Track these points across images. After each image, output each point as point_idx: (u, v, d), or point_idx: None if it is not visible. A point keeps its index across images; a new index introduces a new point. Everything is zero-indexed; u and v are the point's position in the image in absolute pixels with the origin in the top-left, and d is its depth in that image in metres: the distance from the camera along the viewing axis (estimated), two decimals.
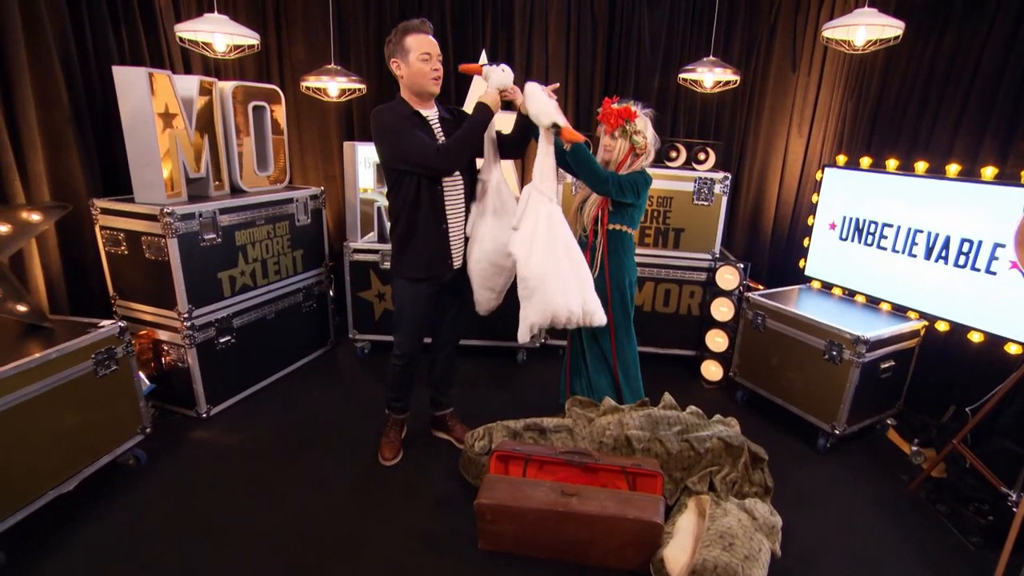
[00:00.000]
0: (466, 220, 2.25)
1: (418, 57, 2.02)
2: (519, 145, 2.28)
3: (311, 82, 3.31)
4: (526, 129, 2.21)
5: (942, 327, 2.58)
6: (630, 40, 3.73)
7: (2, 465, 1.80)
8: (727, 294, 3.15)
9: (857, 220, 2.89)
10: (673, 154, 3.32)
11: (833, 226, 3.02)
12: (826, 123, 3.54)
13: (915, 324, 2.65)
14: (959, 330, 2.51)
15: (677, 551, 1.83)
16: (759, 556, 1.79)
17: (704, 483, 2.11)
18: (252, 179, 2.97)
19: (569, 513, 1.85)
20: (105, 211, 2.53)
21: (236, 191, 2.90)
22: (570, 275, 2.14)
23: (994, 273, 2.37)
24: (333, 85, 3.34)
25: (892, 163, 2.79)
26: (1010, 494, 2.00)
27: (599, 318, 2.21)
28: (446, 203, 2.15)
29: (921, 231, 2.62)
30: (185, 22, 2.73)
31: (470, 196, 2.25)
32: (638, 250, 3.24)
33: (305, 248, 3.21)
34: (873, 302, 2.87)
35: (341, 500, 2.20)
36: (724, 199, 3.21)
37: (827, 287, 3.10)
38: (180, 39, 2.85)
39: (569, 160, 2.20)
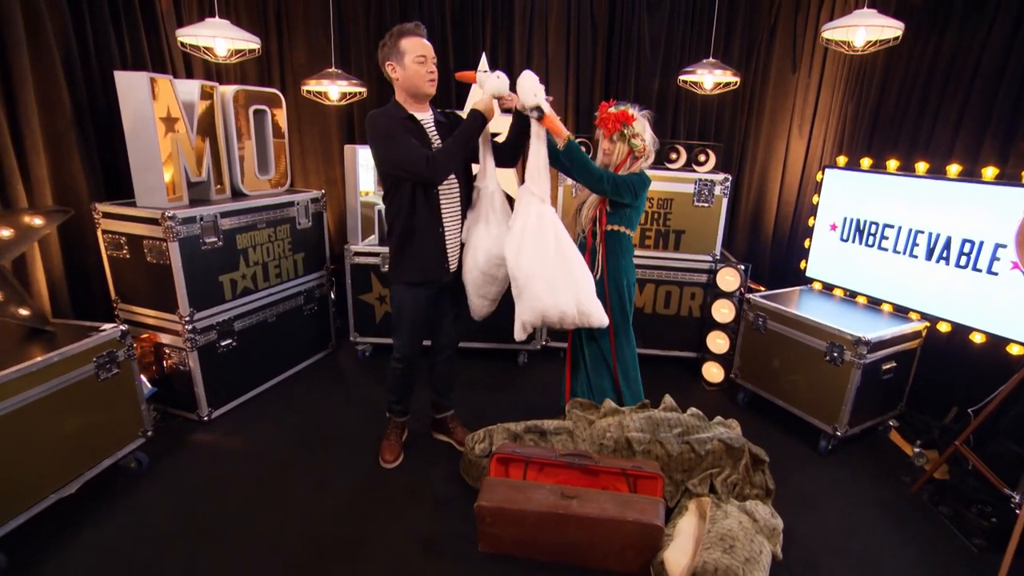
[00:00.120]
0: (463, 223, 2.25)
1: (414, 59, 2.03)
2: (515, 149, 2.27)
3: (312, 86, 3.33)
4: (521, 132, 2.21)
5: (944, 328, 2.57)
6: (630, 42, 3.73)
7: (4, 468, 1.80)
8: (728, 295, 3.14)
9: (858, 221, 2.89)
10: (673, 156, 3.32)
11: (834, 227, 3.02)
12: (826, 124, 3.53)
13: (916, 325, 2.64)
14: (961, 331, 2.50)
15: (677, 553, 1.83)
16: (760, 558, 1.78)
17: (705, 485, 2.11)
18: (253, 183, 2.99)
19: (569, 515, 1.85)
20: (107, 215, 2.54)
21: (237, 195, 2.91)
22: (560, 275, 2.14)
23: (996, 274, 2.36)
24: (334, 89, 3.35)
25: (893, 164, 2.79)
26: (1013, 496, 1.99)
27: (598, 320, 2.21)
28: (442, 207, 2.15)
29: (922, 232, 2.62)
30: (186, 27, 2.75)
31: (467, 199, 2.25)
32: (639, 252, 3.25)
33: (306, 251, 3.22)
34: (874, 303, 2.87)
35: (342, 502, 2.20)
36: (724, 200, 3.20)
37: (828, 288, 3.09)
38: (181, 44, 2.86)
39: (563, 159, 2.20)
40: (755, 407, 2.99)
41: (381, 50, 2.08)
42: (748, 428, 2.50)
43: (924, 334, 2.69)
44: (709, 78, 3.24)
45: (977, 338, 2.44)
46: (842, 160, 3.04)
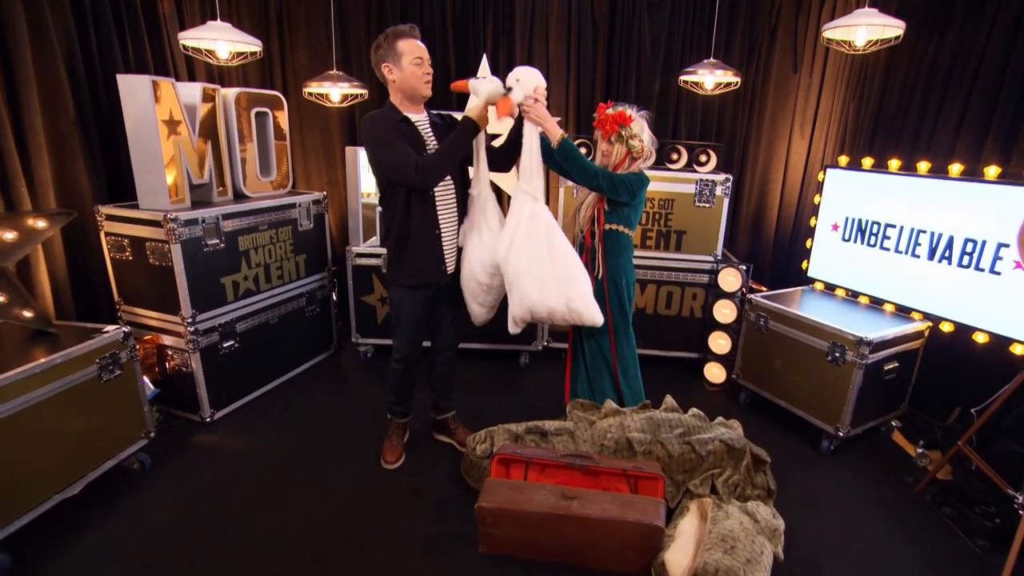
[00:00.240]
0: (460, 225, 2.26)
1: (411, 61, 2.04)
2: (514, 153, 2.25)
3: (313, 88, 3.34)
4: (520, 136, 2.21)
5: (946, 328, 2.56)
6: (631, 43, 3.73)
7: (8, 469, 1.82)
8: (729, 296, 3.14)
9: (860, 221, 2.88)
10: (674, 156, 3.32)
11: (836, 227, 3.01)
12: (828, 124, 3.53)
13: (919, 325, 2.63)
14: (963, 331, 2.49)
15: (678, 554, 1.83)
16: (761, 559, 1.78)
17: (706, 486, 2.10)
18: (255, 184, 3.00)
19: (570, 516, 1.85)
20: (110, 217, 2.55)
21: (239, 196, 2.92)
22: (550, 274, 2.15)
23: (998, 273, 2.35)
24: (335, 90, 3.36)
25: (894, 163, 2.78)
26: (1017, 496, 1.98)
27: (589, 319, 2.20)
28: (439, 210, 2.16)
29: (924, 231, 2.61)
30: (188, 30, 2.76)
31: (463, 201, 2.25)
32: (640, 252, 3.26)
33: (308, 253, 3.23)
34: (876, 303, 2.86)
35: (343, 503, 2.21)
36: (726, 201, 3.20)
37: (830, 288, 3.08)
38: (183, 47, 2.88)
39: (557, 157, 2.20)
40: (757, 407, 2.99)
41: (375, 52, 2.08)
42: (750, 428, 2.49)
43: (926, 334, 2.68)
44: (710, 78, 3.24)
45: (980, 338, 2.43)
46: (844, 160, 3.03)
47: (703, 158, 3.28)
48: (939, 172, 2.59)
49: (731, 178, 3.19)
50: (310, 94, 3.40)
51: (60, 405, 1.97)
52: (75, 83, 2.56)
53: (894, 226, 2.73)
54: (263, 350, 2.98)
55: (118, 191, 2.81)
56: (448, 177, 2.16)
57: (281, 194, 3.13)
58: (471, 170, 2.27)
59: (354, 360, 3.51)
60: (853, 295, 2.97)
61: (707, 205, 3.22)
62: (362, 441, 2.60)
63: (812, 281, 3.17)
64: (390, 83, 2.09)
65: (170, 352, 2.64)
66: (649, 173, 2.42)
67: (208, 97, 2.66)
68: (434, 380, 2.55)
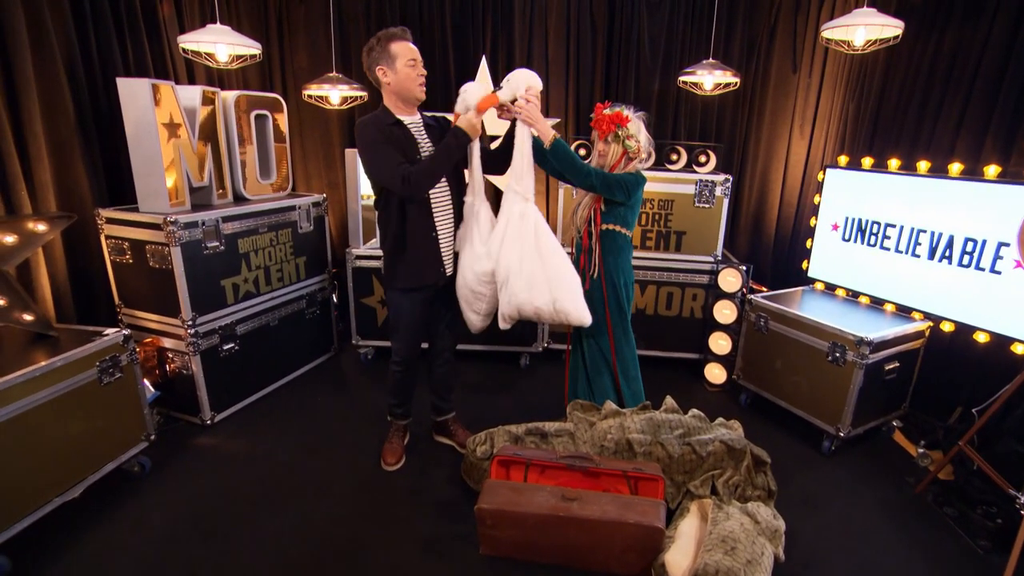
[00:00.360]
0: (456, 227, 2.25)
1: (405, 63, 2.04)
2: (507, 155, 2.23)
3: (313, 90, 3.34)
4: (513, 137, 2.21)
5: (947, 328, 2.55)
6: (630, 43, 3.73)
7: (8, 472, 1.82)
8: (730, 296, 3.13)
9: (860, 221, 2.88)
10: (674, 157, 3.32)
11: (836, 227, 3.01)
12: (828, 124, 3.52)
13: (919, 325, 2.62)
14: (964, 330, 2.49)
15: (679, 555, 1.82)
16: (762, 560, 1.77)
17: (706, 487, 2.10)
18: (255, 187, 3.00)
19: (570, 518, 1.84)
20: (110, 220, 2.56)
21: (239, 199, 2.93)
22: (538, 273, 2.15)
23: (999, 272, 2.35)
24: (335, 93, 3.36)
25: (894, 163, 2.78)
26: (1018, 496, 1.97)
27: (577, 319, 2.20)
28: (434, 212, 2.16)
29: (924, 231, 2.60)
30: (188, 33, 2.77)
31: (459, 202, 2.24)
32: (640, 253, 3.26)
33: (308, 255, 3.24)
34: (877, 303, 2.85)
35: (343, 505, 2.21)
36: (725, 201, 3.20)
37: (830, 288, 3.08)
38: (183, 50, 2.88)
39: (550, 157, 2.20)
40: (757, 408, 2.98)
41: (367, 55, 2.08)
42: (750, 429, 2.49)
43: (927, 334, 2.67)
44: (709, 79, 3.24)
45: (981, 337, 2.42)
46: (843, 160, 3.03)
47: (703, 158, 3.28)
48: (939, 172, 2.59)
49: (731, 178, 3.19)
50: (310, 96, 3.41)
51: (60, 408, 1.97)
52: (75, 86, 2.57)
53: (894, 226, 2.73)
54: (263, 352, 2.98)
55: (118, 194, 2.81)
56: (444, 180, 2.16)
57: (281, 196, 3.13)
58: (467, 174, 2.27)
59: (354, 362, 3.51)
60: (853, 295, 2.97)
61: (707, 205, 3.22)
62: (362, 443, 2.60)
63: (812, 281, 3.16)
64: (384, 86, 2.09)
65: (170, 355, 2.65)
66: (649, 174, 2.42)
67: (208, 100, 2.66)
68: (433, 382, 2.55)
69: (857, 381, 2.46)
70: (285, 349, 3.15)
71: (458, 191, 2.24)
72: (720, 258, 3.28)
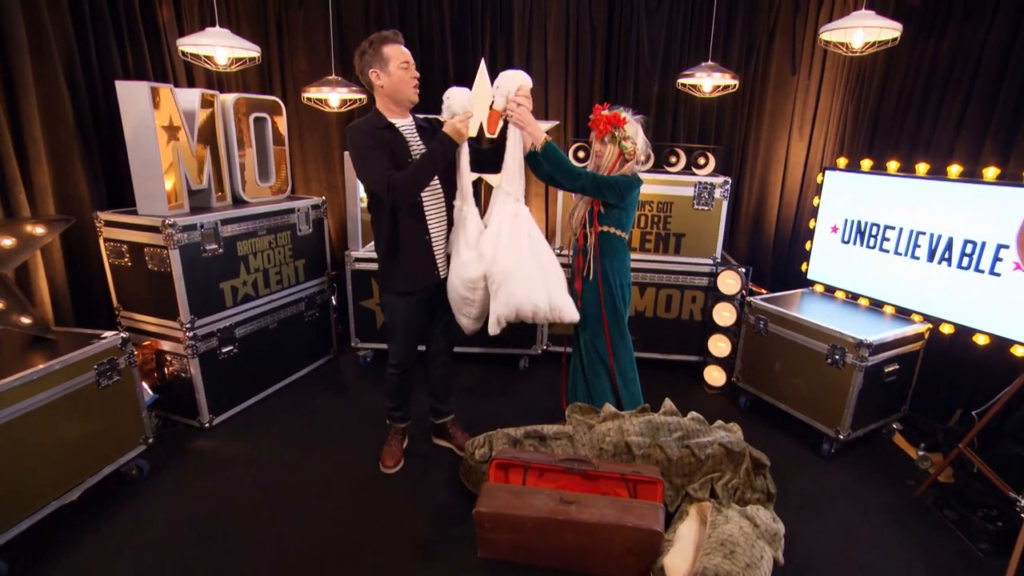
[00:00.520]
0: (449, 229, 2.25)
1: (398, 66, 2.04)
2: (498, 153, 2.24)
3: (312, 93, 3.35)
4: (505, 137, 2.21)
5: (947, 330, 2.55)
6: (629, 46, 3.74)
7: (5, 475, 1.81)
8: (729, 299, 3.13)
9: (859, 223, 2.87)
10: (673, 159, 3.32)
11: (835, 229, 3.00)
12: (827, 126, 3.52)
13: (919, 327, 2.62)
14: (964, 332, 2.48)
15: (678, 559, 1.81)
16: (761, 564, 1.77)
17: (705, 490, 2.09)
18: (254, 190, 3.00)
19: (568, 521, 1.84)
20: (109, 223, 2.56)
21: (238, 202, 2.93)
22: (535, 272, 2.18)
23: (998, 275, 2.34)
24: (334, 96, 3.37)
25: (893, 165, 2.77)
26: (1019, 499, 1.96)
27: (568, 314, 2.23)
28: (427, 215, 2.16)
29: (923, 233, 2.60)
30: (187, 36, 2.77)
31: (452, 204, 2.24)
32: (639, 255, 3.25)
33: (307, 258, 3.24)
34: (876, 305, 2.85)
35: (342, 508, 2.20)
36: (725, 203, 3.19)
37: (830, 291, 3.08)
38: (182, 53, 2.89)
39: (541, 160, 2.21)
40: (757, 411, 2.98)
41: (360, 59, 2.08)
42: (750, 432, 2.48)
43: (927, 336, 2.67)
44: (708, 81, 3.24)
45: (981, 340, 2.42)
46: (842, 162, 3.03)
47: (702, 161, 3.28)
48: (938, 173, 2.59)
49: (730, 180, 3.19)
50: (309, 99, 3.41)
51: (58, 411, 1.97)
52: (74, 90, 2.57)
53: (893, 228, 2.72)
54: (262, 355, 2.98)
55: (117, 197, 2.81)
56: (437, 184, 2.16)
57: (280, 199, 3.14)
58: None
59: (353, 364, 3.51)
60: (853, 297, 2.96)
61: (706, 208, 3.22)
62: (361, 445, 2.60)
63: (812, 283, 3.16)
64: (377, 88, 2.09)
65: (169, 357, 2.65)
66: (648, 176, 2.42)
67: (207, 103, 2.67)
68: (431, 384, 2.55)
69: (857, 383, 2.46)
70: (284, 352, 3.14)
71: (451, 194, 2.23)
72: (719, 260, 3.27)
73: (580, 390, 2.54)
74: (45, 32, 2.42)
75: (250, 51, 2.84)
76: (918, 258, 2.62)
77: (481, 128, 2.22)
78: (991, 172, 2.39)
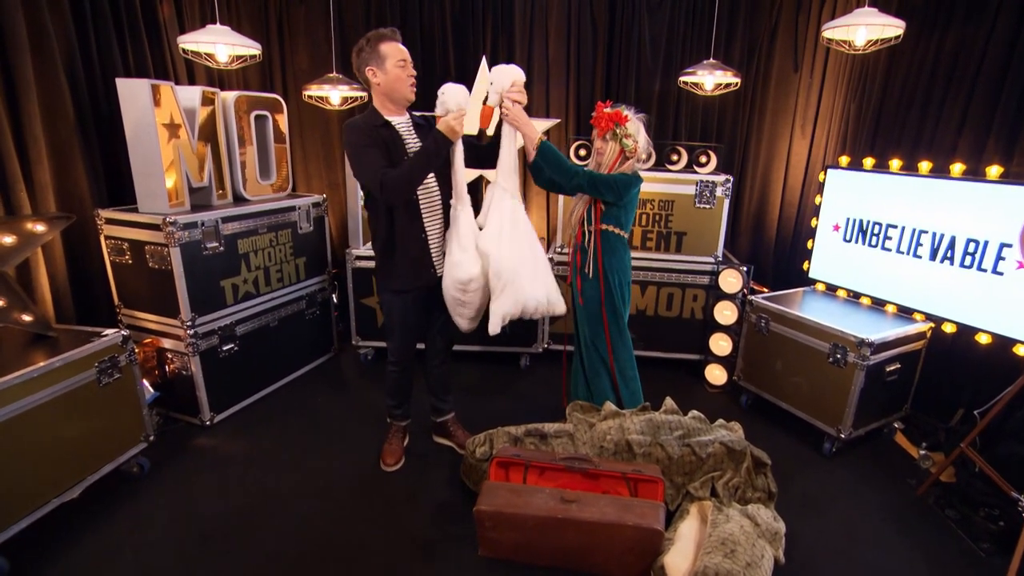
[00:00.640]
0: (446, 227, 2.23)
1: (395, 64, 2.03)
2: (496, 148, 2.23)
3: (313, 91, 3.34)
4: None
5: (949, 329, 2.54)
6: (630, 44, 3.72)
7: (6, 473, 1.82)
8: (730, 297, 3.12)
9: (861, 221, 2.87)
10: (674, 157, 3.31)
11: (837, 228, 2.99)
12: (829, 124, 3.51)
13: (921, 326, 2.61)
14: (966, 332, 2.47)
15: (678, 558, 1.81)
16: (761, 563, 1.76)
17: (706, 488, 2.09)
18: (255, 187, 3.00)
19: (568, 520, 1.84)
20: (109, 221, 2.56)
21: (239, 200, 2.93)
22: (535, 267, 2.22)
23: (1001, 273, 2.33)
24: (335, 93, 3.36)
25: (895, 163, 2.77)
26: (1020, 499, 1.96)
27: (559, 308, 2.29)
28: (423, 213, 2.15)
29: (926, 232, 2.59)
30: (188, 33, 2.77)
31: (449, 202, 2.22)
32: (640, 254, 3.25)
33: (308, 255, 3.23)
34: (878, 304, 2.84)
35: (342, 506, 2.20)
36: (726, 202, 3.19)
37: (832, 289, 3.07)
38: (183, 50, 2.89)
39: (538, 159, 2.22)
40: (758, 409, 2.97)
41: (357, 56, 2.07)
42: (751, 431, 2.48)
43: (929, 335, 2.66)
44: (710, 79, 3.23)
45: (983, 339, 2.41)
46: (845, 160, 3.02)
47: (703, 159, 3.27)
48: (941, 172, 2.58)
49: (731, 179, 3.18)
50: (310, 97, 3.41)
51: (59, 409, 1.97)
52: (75, 87, 2.57)
53: (895, 226, 2.71)
54: (263, 353, 2.98)
55: (118, 195, 2.81)
56: (434, 181, 2.16)
57: (281, 197, 3.13)
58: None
59: (354, 363, 3.51)
60: (855, 296, 2.95)
61: (707, 206, 3.21)
62: (362, 444, 2.60)
63: (813, 282, 3.15)
64: (373, 86, 2.09)
65: (170, 355, 2.65)
66: (649, 174, 2.41)
67: (207, 100, 2.66)
68: (431, 383, 2.55)
69: (858, 382, 2.45)
70: (285, 350, 3.14)
71: (448, 193, 2.22)
72: (721, 259, 3.27)
73: (581, 388, 2.54)
74: (46, 30, 2.41)
75: (251, 49, 2.84)
76: (920, 257, 2.62)
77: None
78: (994, 171, 2.38)
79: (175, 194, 2.54)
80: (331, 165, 4.07)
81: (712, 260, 3.26)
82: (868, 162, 2.89)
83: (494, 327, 2.18)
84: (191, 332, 2.55)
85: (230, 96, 2.81)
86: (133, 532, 2.04)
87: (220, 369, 2.72)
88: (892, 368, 2.56)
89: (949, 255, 2.50)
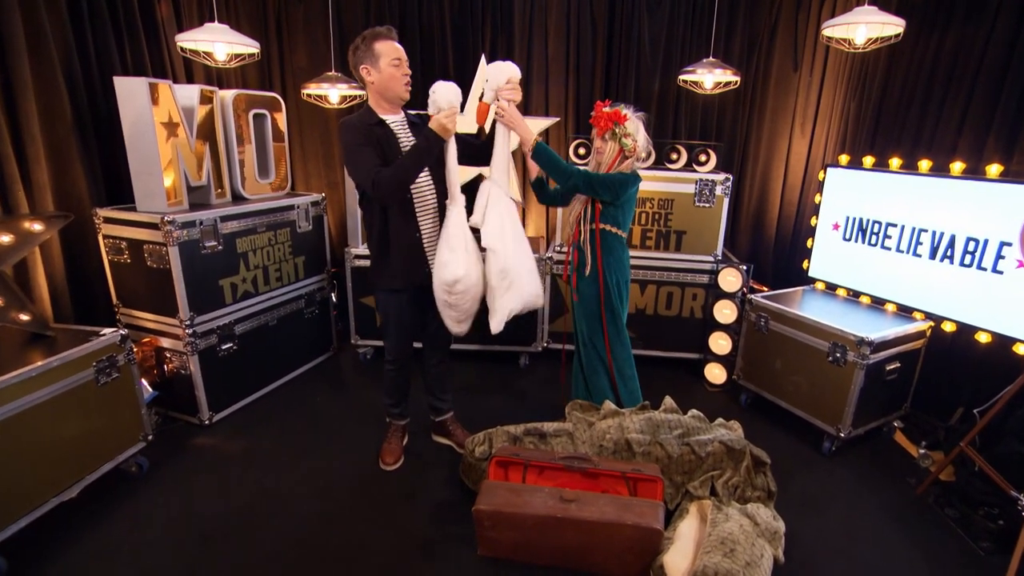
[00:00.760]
0: (440, 226, 2.21)
1: (389, 63, 2.03)
2: (490, 146, 2.22)
3: (312, 89, 3.33)
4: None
5: (948, 328, 2.54)
6: (630, 42, 3.72)
7: (5, 472, 1.81)
8: (730, 296, 3.12)
9: (861, 220, 2.86)
10: (674, 156, 3.31)
11: (836, 226, 2.99)
12: (829, 123, 3.51)
13: (921, 325, 2.61)
14: (966, 330, 2.47)
15: (678, 557, 1.81)
16: (761, 562, 1.76)
17: (705, 488, 2.09)
18: (254, 186, 2.99)
19: (568, 519, 1.83)
20: (108, 220, 2.55)
21: (238, 199, 2.92)
22: (532, 263, 2.27)
23: (1001, 272, 2.33)
24: (334, 92, 3.35)
25: (895, 162, 2.76)
26: (1020, 498, 1.96)
27: (541, 301, 2.37)
28: (417, 212, 2.15)
29: (926, 230, 2.59)
30: (186, 32, 2.76)
31: (443, 202, 2.20)
32: (639, 252, 3.25)
33: (307, 254, 3.23)
34: (878, 303, 2.84)
35: (341, 505, 2.20)
36: (726, 201, 3.18)
37: (831, 288, 3.06)
38: (181, 49, 2.88)
39: (534, 159, 2.24)
40: (758, 408, 2.97)
41: (353, 54, 2.06)
42: (750, 430, 2.48)
43: (928, 334, 2.66)
44: (709, 78, 3.22)
45: (983, 338, 2.41)
46: (844, 159, 3.02)
47: (703, 158, 3.26)
48: (940, 171, 2.57)
49: (731, 178, 3.18)
50: (309, 95, 3.40)
51: (57, 408, 1.97)
52: (72, 86, 2.56)
53: (895, 225, 2.71)
54: (262, 352, 2.97)
55: (116, 194, 2.81)
56: (428, 180, 2.15)
57: (280, 196, 3.12)
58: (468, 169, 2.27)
59: (353, 362, 3.51)
60: (854, 295, 2.95)
61: (707, 205, 3.21)
62: (361, 443, 2.60)
63: (813, 281, 3.15)
64: (368, 85, 2.08)
65: (168, 354, 2.64)
66: (649, 173, 2.40)
67: (206, 99, 2.66)
68: (428, 382, 2.55)
69: (858, 381, 2.45)
70: (284, 349, 3.14)
71: (443, 192, 2.20)
72: (720, 258, 3.26)
73: (580, 387, 2.53)
74: (43, 29, 2.40)
75: (249, 47, 2.83)
76: (920, 256, 2.61)
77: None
78: (994, 169, 2.38)
79: (173, 193, 2.54)
80: (330, 164, 4.06)
81: (712, 259, 3.25)
82: (868, 161, 2.88)
83: (498, 326, 2.17)
84: (190, 331, 2.55)
85: (228, 95, 2.80)
86: (132, 531, 2.03)
87: (219, 368, 2.72)
88: (892, 367, 2.56)
89: (949, 254, 2.50)
